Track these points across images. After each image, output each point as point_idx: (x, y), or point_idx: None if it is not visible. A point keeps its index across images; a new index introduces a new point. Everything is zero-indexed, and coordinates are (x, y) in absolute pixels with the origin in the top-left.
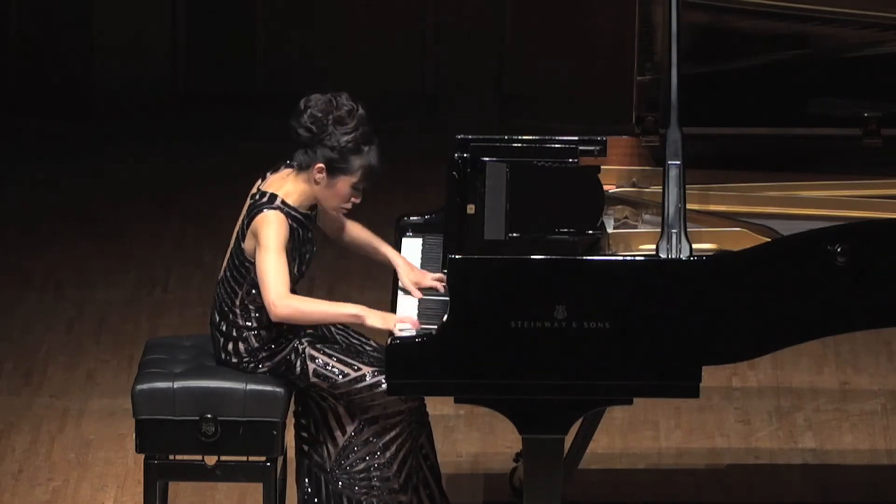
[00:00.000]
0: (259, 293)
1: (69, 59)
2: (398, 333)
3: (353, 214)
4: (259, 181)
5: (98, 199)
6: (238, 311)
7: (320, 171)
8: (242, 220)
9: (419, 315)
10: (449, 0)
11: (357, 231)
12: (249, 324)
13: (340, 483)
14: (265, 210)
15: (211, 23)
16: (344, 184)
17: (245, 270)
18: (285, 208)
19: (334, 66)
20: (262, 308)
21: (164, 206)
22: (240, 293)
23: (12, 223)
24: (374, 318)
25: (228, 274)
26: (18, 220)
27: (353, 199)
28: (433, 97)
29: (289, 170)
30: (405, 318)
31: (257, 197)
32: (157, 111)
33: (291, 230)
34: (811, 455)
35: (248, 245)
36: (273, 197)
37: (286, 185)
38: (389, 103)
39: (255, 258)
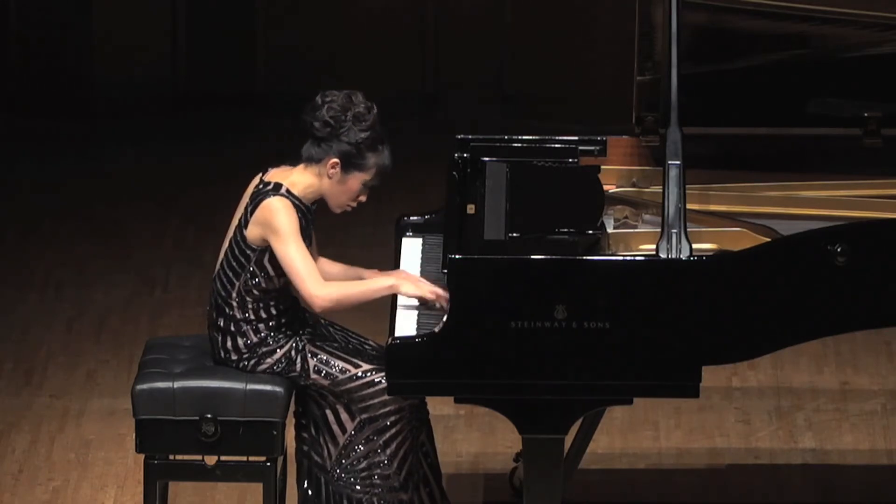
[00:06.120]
0: (256, 282)
1: (69, 59)
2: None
3: (353, 213)
4: (260, 175)
5: (98, 199)
6: (235, 303)
7: (335, 165)
8: (246, 208)
9: (419, 318)
10: (449, 0)
11: (334, 265)
12: (247, 315)
13: (341, 482)
14: (271, 196)
15: (211, 23)
16: (356, 180)
17: (245, 259)
18: (290, 196)
19: (334, 66)
20: (259, 299)
21: (164, 206)
22: (237, 283)
23: (12, 223)
24: (409, 287)
25: (226, 264)
26: (18, 220)
27: (360, 198)
28: (433, 97)
29: (290, 166)
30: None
31: (261, 186)
32: (157, 111)
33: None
34: (811, 455)
35: (251, 233)
36: (278, 185)
37: (292, 176)
38: (389, 103)
39: (259, 246)
